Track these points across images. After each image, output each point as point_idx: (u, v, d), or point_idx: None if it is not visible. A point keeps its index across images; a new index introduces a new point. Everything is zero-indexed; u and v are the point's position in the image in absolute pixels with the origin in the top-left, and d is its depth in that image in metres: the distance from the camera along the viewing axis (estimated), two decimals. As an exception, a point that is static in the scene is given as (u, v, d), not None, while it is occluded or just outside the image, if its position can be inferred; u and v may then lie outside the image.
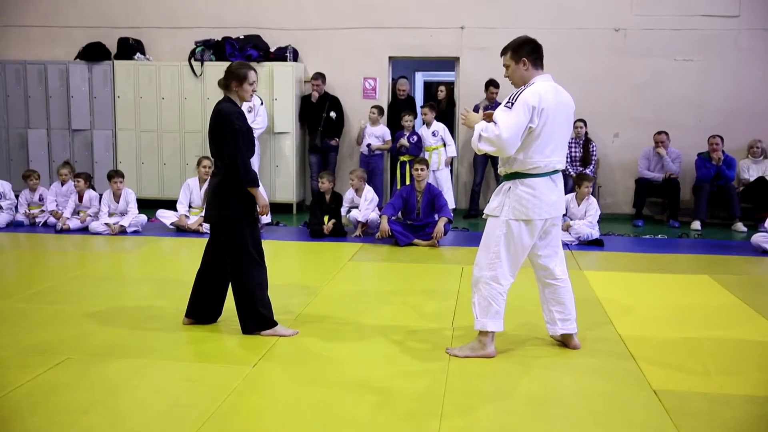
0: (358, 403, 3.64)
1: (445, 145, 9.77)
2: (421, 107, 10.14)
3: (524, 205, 4.14)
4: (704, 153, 9.80)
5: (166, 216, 8.81)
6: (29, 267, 7.09)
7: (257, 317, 4.63)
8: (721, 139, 9.60)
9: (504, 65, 4.29)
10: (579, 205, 8.28)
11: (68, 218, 8.79)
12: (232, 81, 4.62)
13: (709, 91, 10.15)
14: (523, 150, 4.10)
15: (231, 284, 4.70)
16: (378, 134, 10.02)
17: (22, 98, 10.90)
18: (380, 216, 8.13)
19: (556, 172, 4.25)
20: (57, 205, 9.12)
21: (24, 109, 10.91)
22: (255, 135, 9.72)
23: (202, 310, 4.84)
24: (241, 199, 4.57)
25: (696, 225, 9.43)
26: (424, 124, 9.87)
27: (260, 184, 4.73)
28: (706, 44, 10.09)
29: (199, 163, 8.95)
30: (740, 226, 9.28)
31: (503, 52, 4.31)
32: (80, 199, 8.98)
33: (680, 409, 3.59)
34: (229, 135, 4.50)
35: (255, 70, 4.72)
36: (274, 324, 4.66)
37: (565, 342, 4.51)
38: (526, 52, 4.20)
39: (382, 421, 3.43)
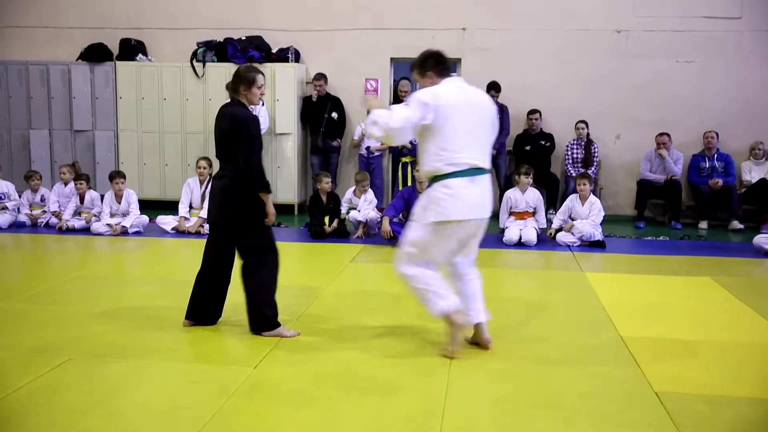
0: (360, 403, 3.64)
1: None
2: None
3: (442, 205, 4.15)
4: (699, 152, 9.85)
5: (165, 222, 8.79)
6: (31, 268, 7.10)
7: (262, 318, 4.63)
8: (716, 134, 9.75)
9: (414, 80, 4.42)
10: (583, 205, 8.29)
11: (68, 219, 8.81)
12: (241, 84, 4.63)
13: (710, 93, 10.14)
14: (428, 146, 4.18)
15: (243, 284, 4.69)
16: None
17: (24, 99, 10.91)
18: (381, 217, 8.13)
19: (476, 171, 4.20)
20: (59, 206, 9.13)
21: (26, 109, 10.91)
22: (257, 136, 9.83)
23: (202, 311, 4.84)
24: (253, 202, 4.58)
25: (703, 224, 9.56)
26: None
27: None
28: (708, 46, 10.09)
29: (197, 164, 8.97)
30: (736, 224, 9.39)
31: (411, 69, 4.47)
32: (81, 200, 9.00)
33: (682, 410, 3.58)
34: (246, 140, 4.51)
35: (263, 74, 4.73)
36: (278, 325, 4.66)
37: (477, 336, 4.50)
38: (430, 66, 4.32)
39: (384, 421, 3.43)
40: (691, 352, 4.50)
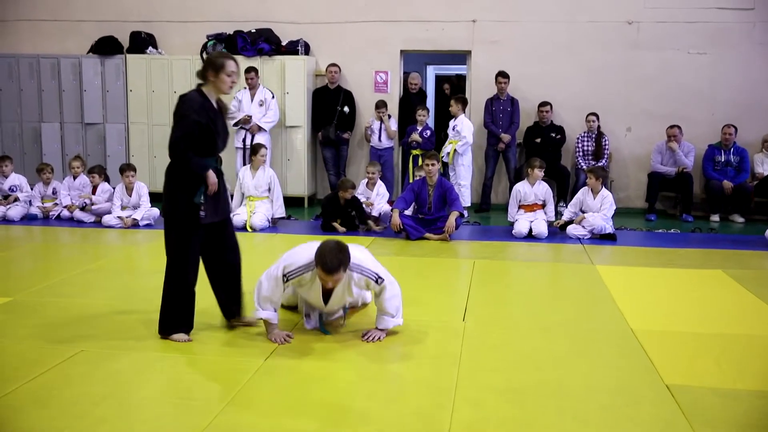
0: (370, 396, 3.65)
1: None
2: (451, 98, 9.97)
3: None
4: (716, 144, 9.79)
5: None
6: (42, 260, 7.14)
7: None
8: (735, 129, 9.67)
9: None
10: (594, 199, 8.26)
11: (79, 205, 8.95)
12: (209, 70, 4.39)
13: (722, 85, 10.07)
14: None
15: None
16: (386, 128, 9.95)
17: (36, 92, 10.96)
18: (392, 210, 8.13)
19: None
20: (70, 199, 9.18)
21: (37, 102, 10.96)
22: (266, 128, 9.84)
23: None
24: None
25: (715, 218, 9.54)
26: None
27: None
28: (720, 37, 10.01)
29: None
30: (737, 217, 9.44)
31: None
32: (94, 191, 9.06)
33: (692, 403, 3.58)
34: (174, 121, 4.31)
35: (235, 60, 4.41)
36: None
37: None
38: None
39: (393, 414, 3.43)
40: (702, 345, 4.49)
